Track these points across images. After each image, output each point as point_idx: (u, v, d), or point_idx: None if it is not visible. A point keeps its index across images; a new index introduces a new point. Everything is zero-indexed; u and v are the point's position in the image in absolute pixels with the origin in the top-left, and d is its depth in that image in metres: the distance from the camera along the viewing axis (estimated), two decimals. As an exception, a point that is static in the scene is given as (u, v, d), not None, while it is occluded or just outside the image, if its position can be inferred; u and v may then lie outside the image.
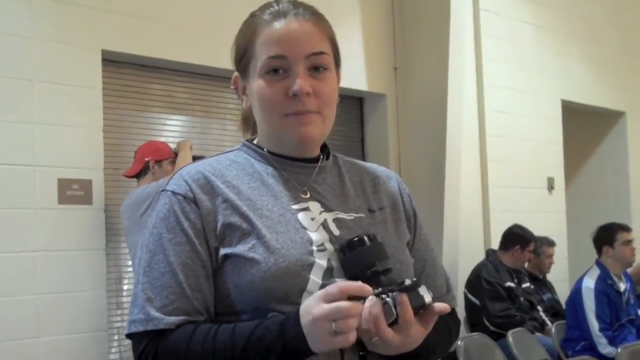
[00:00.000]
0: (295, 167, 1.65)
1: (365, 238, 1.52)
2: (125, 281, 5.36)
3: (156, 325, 1.48)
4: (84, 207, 4.90)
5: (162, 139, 5.47)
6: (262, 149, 1.67)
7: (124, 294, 5.33)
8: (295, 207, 1.59)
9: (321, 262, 1.53)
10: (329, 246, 1.56)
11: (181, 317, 1.49)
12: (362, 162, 1.83)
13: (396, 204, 1.76)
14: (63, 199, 4.80)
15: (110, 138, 5.17)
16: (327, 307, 1.37)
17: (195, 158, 4.62)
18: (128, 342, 5.24)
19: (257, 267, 1.50)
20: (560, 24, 8.20)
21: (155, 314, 1.48)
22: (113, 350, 5.21)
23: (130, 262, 5.20)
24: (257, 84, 1.60)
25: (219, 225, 1.54)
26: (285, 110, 1.58)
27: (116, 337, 5.24)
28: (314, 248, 1.54)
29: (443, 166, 6.61)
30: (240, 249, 1.52)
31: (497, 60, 7.32)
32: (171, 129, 5.69)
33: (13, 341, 4.56)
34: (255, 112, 1.65)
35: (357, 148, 7.00)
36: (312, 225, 1.58)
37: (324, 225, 1.59)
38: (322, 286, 1.47)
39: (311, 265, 1.52)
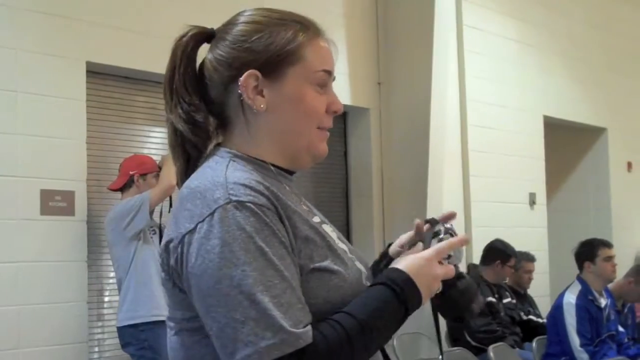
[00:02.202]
0: (289, 181, 1.63)
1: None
2: (107, 293, 5.34)
3: (306, 341, 1.37)
4: (67, 218, 4.89)
5: (146, 152, 5.47)
6: (262, 161, 1.59)
7: (105, 305, 5.32)
8: (314, 220, 1.58)
9: (361, 268, 1.59)
10: (351, 255, 1.60)
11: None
12: None
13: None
14: (45, 210, 4.79)
15: (93, 150, 5.17)
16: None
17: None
18: (109, 353, 5.19)
19: (344, 279, 1.49)
20: (543, 41, 8.26)
21: (297, 331, 1.36)
22: (94, 362, 5.20)
23: (112, 274, 5.19)
24: (304, 90, 1.57)
25: (296, 239, 1.48)
26: (321, 123, 1.60)
27: (97, 349, 5.23)
28: (351, 256, 1.59)
29: (425, 180, 6.64)
30: (325, 262, 1.49)
31: (480, 76, 7.36)
32: (155, 142, 5.68)
33: (-7, 352, 4.55)
34: (281, 117, 1.58)
35: (340, 162, 7.02)
36: (335, 237, 1.60)
37: (339, 237, 1.62)
38: None
39: (362, 272, 1.57)
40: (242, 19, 1.62)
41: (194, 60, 1.63)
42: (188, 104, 1.60)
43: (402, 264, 1.54)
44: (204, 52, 1.64)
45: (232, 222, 1.41)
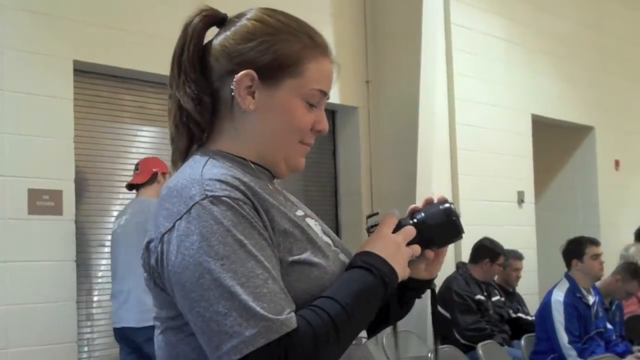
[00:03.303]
0: (270, 178, 1.63)
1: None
2: (96, 292, 5.33)
3: (290, 327, 1.37)
4: (55, 217, 4.87)
5: (134, 150, 5.50)
6: (243, 159, 1.59)
7: (94, 305, 5.30)
8: (297, 213, 1.59)
9: (346, 260, 1.60)
10: (335, 248, 1.62)
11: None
12: None
13: None
14: (33, 209, 4.78)
15: (81, 149, 5.16)
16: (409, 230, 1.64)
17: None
18: (98, 353, 5.15)
19: (325, 272, 1.50)
20: (530, 40, 8.28)
21: (281, 317, 1.36)
22: (82, 362, 5.18)
23: (101, 274, 5.18)
24: (295, 104, 1.57)
25: (275, 232, 1.48)
26: (304, 139, 1.61)
27: (86, 349, 5.21)
28: (335, 249, 1.61)
29: (414, 179, 6.64)
30: (305, 255, 1.50)
31: (468, 75, 7.37)
32: (142, 140, 5.67)
33: (-19, 353, 4.53)
34: (266, 123, 1.58)
35: (329, 160, 7.02)
36: (319, 230, 1.61)
37: (322, 230, 1.64)
38: None
39: (345, 263, 1.58)
40: (253, 15, 1.61)
41: (203, 41, 1.64)
42: (195, 82, 1.59)
43: (375, 247, 1.57)
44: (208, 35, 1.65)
45: (209, 217, 1.41)
